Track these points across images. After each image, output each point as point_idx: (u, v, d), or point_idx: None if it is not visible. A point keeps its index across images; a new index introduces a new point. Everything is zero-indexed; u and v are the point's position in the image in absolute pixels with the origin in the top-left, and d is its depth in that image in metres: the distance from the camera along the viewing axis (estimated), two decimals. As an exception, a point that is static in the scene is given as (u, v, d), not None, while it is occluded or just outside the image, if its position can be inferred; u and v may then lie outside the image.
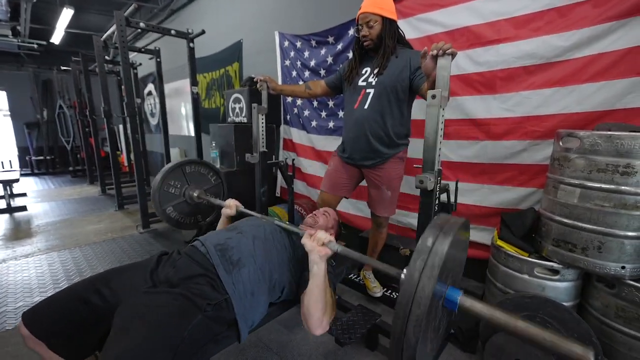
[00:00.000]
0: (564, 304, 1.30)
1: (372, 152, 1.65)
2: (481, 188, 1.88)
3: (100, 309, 0.95)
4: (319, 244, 1.07)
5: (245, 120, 3.01)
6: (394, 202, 1.77)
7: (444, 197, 1.29)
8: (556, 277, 1.35)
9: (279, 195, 3.36)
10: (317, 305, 1.03)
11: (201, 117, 3.73)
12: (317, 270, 1.05)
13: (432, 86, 1.15)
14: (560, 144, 1.33)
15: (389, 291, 2.04)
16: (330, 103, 2.67)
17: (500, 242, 1.51)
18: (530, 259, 1.40)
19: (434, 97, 1.09)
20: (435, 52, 1.06)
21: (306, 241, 1.09)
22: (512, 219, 1.59)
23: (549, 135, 1.61)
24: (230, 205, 1.50)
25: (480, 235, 1.90)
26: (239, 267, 1.07)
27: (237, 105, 3.10)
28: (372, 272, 2.07)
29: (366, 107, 1.61)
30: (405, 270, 0.83)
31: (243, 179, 2.86)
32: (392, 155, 1.66)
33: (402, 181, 1.77)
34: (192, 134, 4.13)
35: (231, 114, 3.19)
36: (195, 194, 1.77)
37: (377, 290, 1.98)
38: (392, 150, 1.65)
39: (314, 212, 1.57)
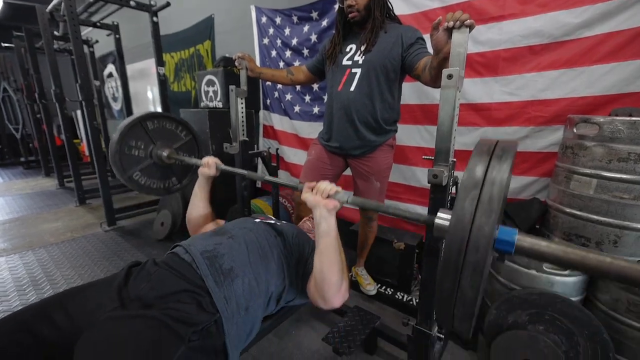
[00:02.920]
0: (572, 299, 1.24)
1: (359, 139, 1.49)
2: (479, 177, 1.78)
3: (53, 342, 0.72)
4: (323, 196, 0.90)
5: (220, 104, 2.72)
6: (382, 193, 1.64)
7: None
8: (566, 272, 1.28)
9: (259, 187, 3.15)
10: (333, 268, 0.87)
11: (170, 102, 3.39)
12: (327, 227, 0.89)
13: (444, 63, 1.02)
14: (574, 130, 1.23)
15: (383, 287, 1.94)
16: (315, 86, 2.46)
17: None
18: (538, 254, 1.32)
19: (450, 76, 0.92)
20: (451, 23, 0.89)
21: (307, 196, 0.92)
22: (515, 210, 1.50)
23: (553, 121, 1.52)
24: (209, 163, 1.27)
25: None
26: (231, 278, 0.88)
27: (210, 89, 2.80)
28: (364, 267, 1.95)
29: (352, 88, 1.44)
30: (444, 214, 0.68)
31: (220, 170, 2.61)
32: (382, 142, 1.52)
33: (392, 170, 1.64)
34: (161, 120, 3.75)
35: (204, 98, 2.89)
36: (164, 154, 1.51)
37: (371, 287, 1.86)
38: (381, 138, 1.51)
39: (310, 216, 1.38)
